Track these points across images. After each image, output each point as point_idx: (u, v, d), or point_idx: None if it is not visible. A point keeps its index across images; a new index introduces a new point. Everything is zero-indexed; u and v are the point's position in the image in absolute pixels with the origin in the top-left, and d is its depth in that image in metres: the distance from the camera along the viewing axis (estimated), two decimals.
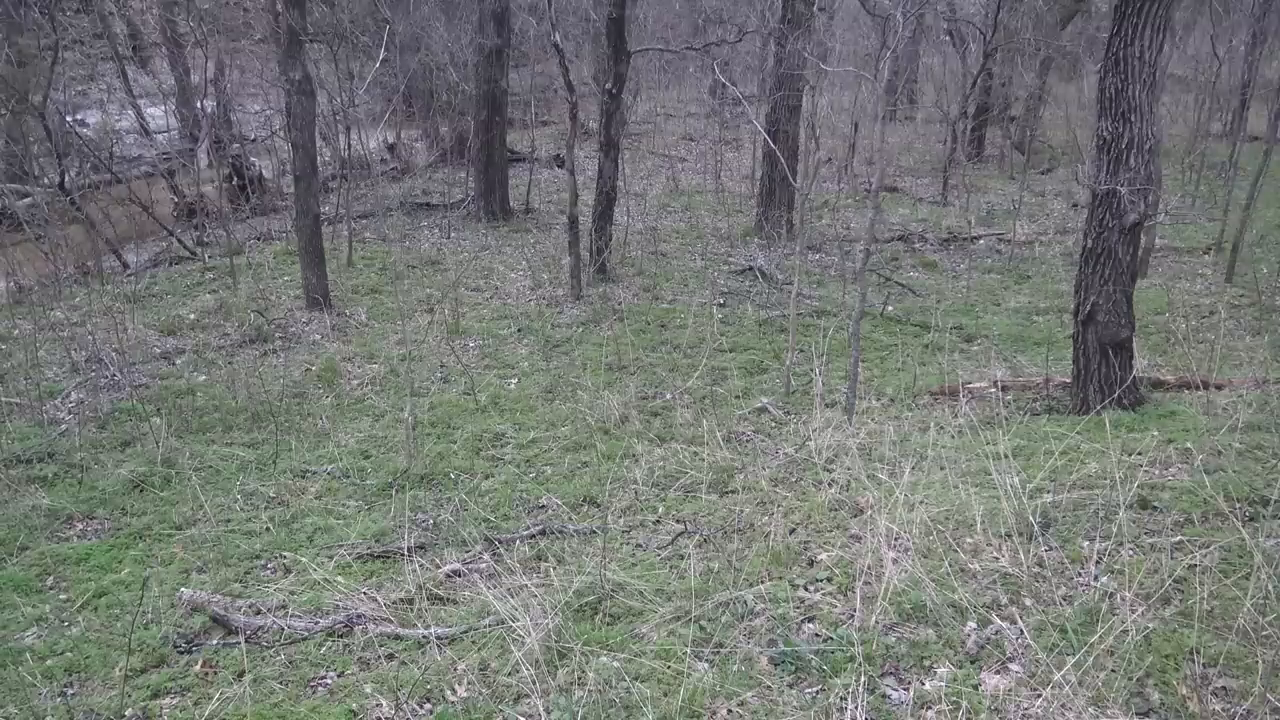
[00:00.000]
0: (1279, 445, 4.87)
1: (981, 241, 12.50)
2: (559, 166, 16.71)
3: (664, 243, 12.23)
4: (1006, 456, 4.61)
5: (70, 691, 3.73)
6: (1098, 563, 3.87)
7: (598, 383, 7.36)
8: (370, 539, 4.92)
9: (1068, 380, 6.44)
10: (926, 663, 3.37)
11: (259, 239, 12.59)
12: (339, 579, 4.40)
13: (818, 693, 3.27)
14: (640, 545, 4.71)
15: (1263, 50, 15.86)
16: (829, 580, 4.00)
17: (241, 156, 14.18)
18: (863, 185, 15.22)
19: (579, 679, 3.39)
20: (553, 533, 4.89)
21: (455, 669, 3.57)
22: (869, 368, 7.72)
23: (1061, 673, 3.08)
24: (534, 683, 3.32)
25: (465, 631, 3.85)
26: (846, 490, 4.92)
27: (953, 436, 5.55)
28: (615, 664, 3.48)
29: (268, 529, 5.10)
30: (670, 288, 10.38)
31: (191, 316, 9.44)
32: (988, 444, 5.10)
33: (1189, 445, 4.88)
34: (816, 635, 3.60)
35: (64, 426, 6.67)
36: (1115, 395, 5.85)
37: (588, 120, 17.22)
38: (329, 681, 3.66)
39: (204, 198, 12.89)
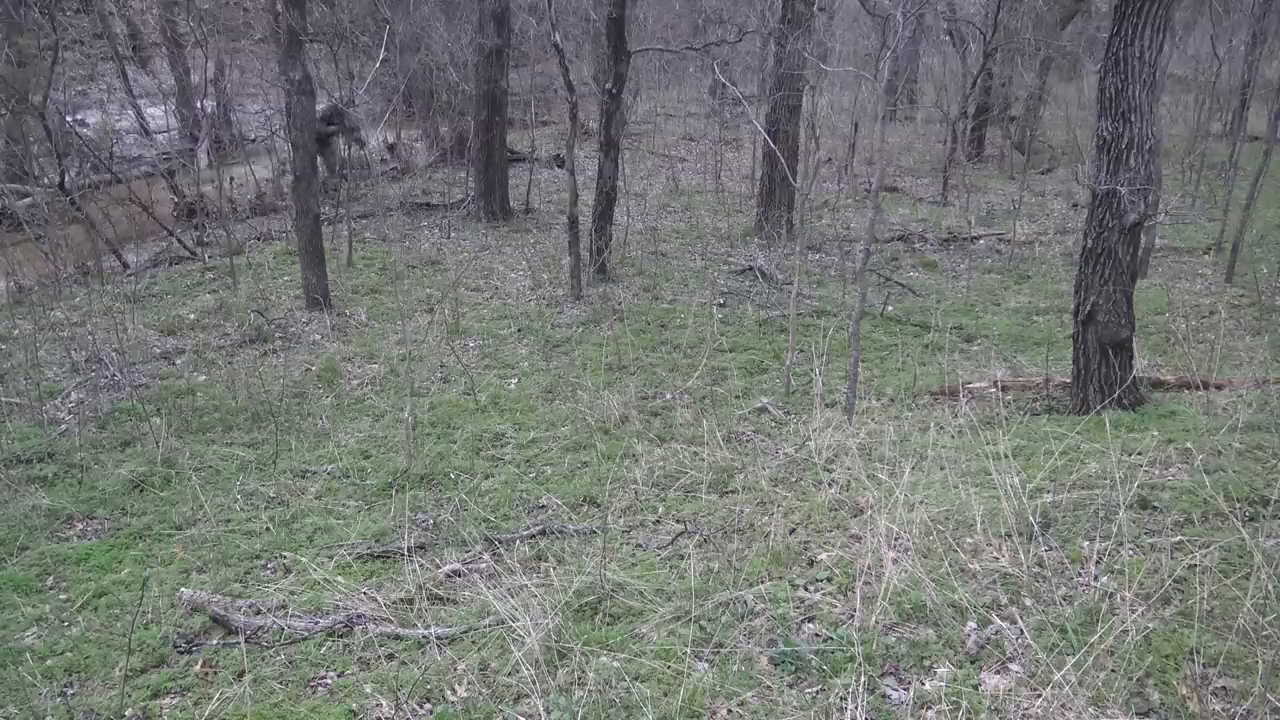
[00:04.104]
0: (1279, 445, 4.87)
1: (981, 241, 12.50)
2: (559, 166, 16.71)
3: (664, 243, 12.23)
4: (1006, 456, 4.61)
5: (70, 691, 3.73)
6: (1098, 563, 3.87)
7: (598, 383, 7.35)
8: (370, 539, 4.92)
9: (1068, 380, 6.44)
10: (926, 663, 3.37)
11: (259, 239, 12.60)
12: (339, 579, 4.40)
13: (818, 693, 3.27)
14: (640, 545, 4.71)
15: (1263, 50, 15.87)
16: (829, 580, 4.00)
17: (343, 122, 13.90)
18: (863, 185, 15.22)
19: (579, 679, 3.39)
20: (553, 533, 4.89)
21: (455, 669, 3.57)
22: (869, 368, 7.72)
23: (1061, 673, 3.07)
24: (534, 683, 3.32)
25: (465, 631, 3.85)
26: (846, 490, 4.92)
27: (953, 436, 5.55)
28: (615, 664, 3.48)
29: (268, 529, 5.10)
30: (670, 288, 10.38)
31: (191, 316, 9.44)
32: (988, 444, 5.10)
33: (1189, 445, 4.88)
34: (816, 635, 3.60)
35: (64, 426, 6.67)
36: (1115, 395, 5.85)
37: (588, 120, 17.22)
38: (329, 681, 3.66)
39: (204, 198, 12.90)
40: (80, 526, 5.32)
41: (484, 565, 4.56)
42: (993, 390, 6.54)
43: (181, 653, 3.93)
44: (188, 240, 12.05)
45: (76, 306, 9.64)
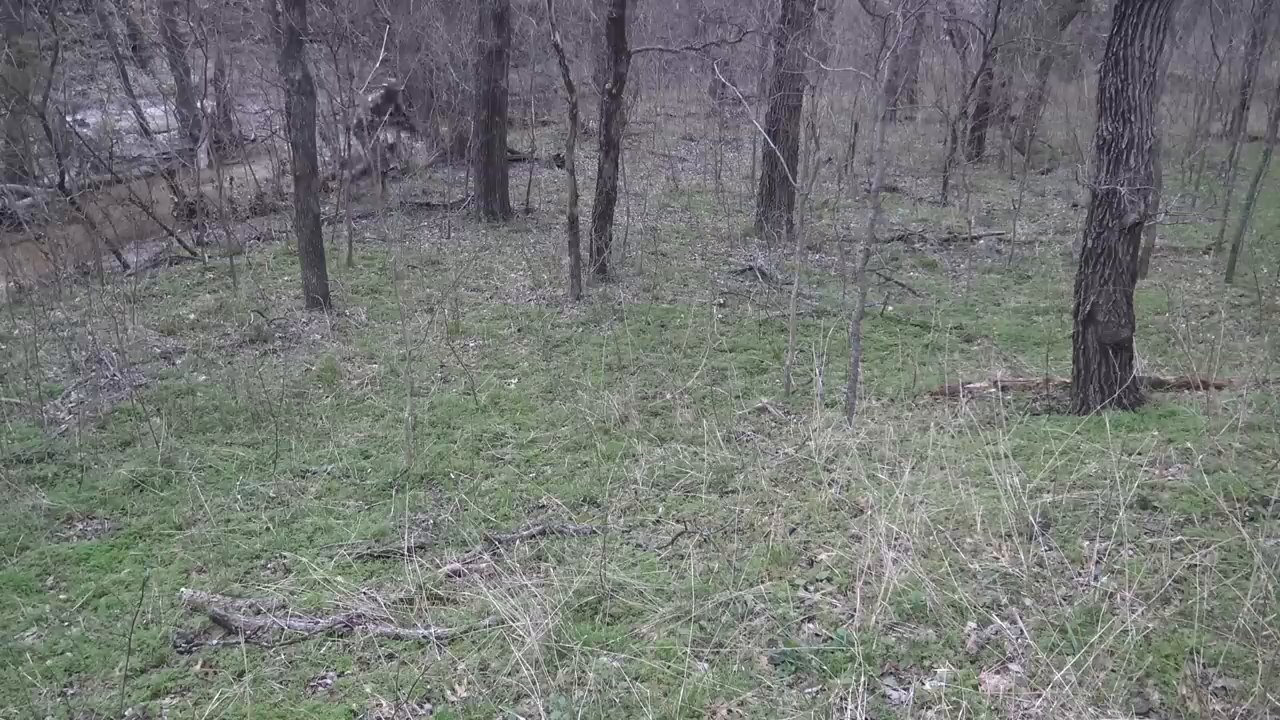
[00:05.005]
0: (1279, 445, 4.87)
1: (981, 241, 12.50)
2: (559, 166, 16.70)
3: (664, 243, 12.23)
4: (1006, 456, 4.60)
5: (70, 691, 3.73)
6: (1098, 563, 3.87)
7: (598, 383, 7.36)
8: (370, 539, 4.92)
9: (1068, 380, 6.43)
10: (926, 663, 3.37)
11: (259, 239, 12.60)
12: (339, 579, 4.40)
13: (818, 693, 3.27)
14: (640, 545, 4.71)
15: (1263, 50, 15.88)
16: (829, 580, 4.00)
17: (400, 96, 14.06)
18: (863, 185, 15.22)
19: (579, 679, 3.39)
20: (553, 533, 4.89)
21: (455, 669, 3.57)
22: (869, 368, 7.72)
23: (1061, 673, 3.07)
24: (534, 683, 3.32)
25: (465, 631, 3.85)
26: (846, 490, 4.92)
27: (953, 436, 5.55)
28: (615, 664, 3.48)
29: (268, 529, 5.10)
30: (670, 288, 10.38)
31: (191, 316, 9.44)
32: (988, 444, 5.10)
33: (1189, 445, 4.88)
34: (816, 635, 3.60)
35: (64, 426, 6.67)
36: (1115, 395, 5.85)
37: (588, 120, 17.21)
38: (329, 681, 3.66)
39: (204, 198, 12.90)
40: (80, 526, 5.32)
41: (484, 565, 4.56)
42: (993, 390, 6.53)
43: (181, 653, 3.93)
44: (188, 240, 12.04)
45: (76, 306, 9.64)
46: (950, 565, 3.85)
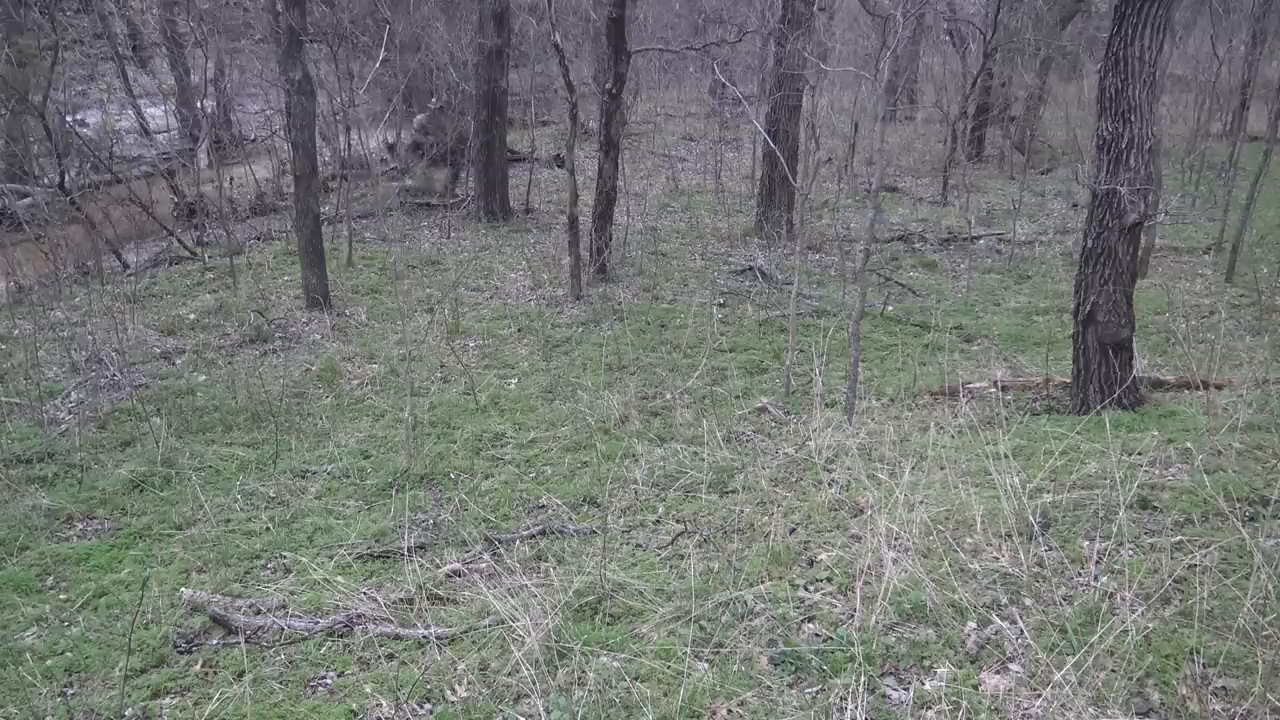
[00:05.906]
0: (1279, 445, 4.87)
1: (981, 241, 12.50)
2: (559, 166, 16.70)
3: (664, 243, 12.23)
4: (1006, 456, 4.60)
5: (70, 691, 3.73)
6: (1098, 563, 3.87)
7: (598, 383, 7.35)
8: (370, 539, 4.92)
9: (1068, 380, 6.43)
10: (926, 663, 3.37)
11: (259, 239, 12.60)
12: (339, 579, 4.40)
13: (818, 693, 3.27)
14: (640, 545, 4.71)
15: (1263, 50, 15.88)
16: (829, 580, 4.00)
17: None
18: (863, 185, 15.22)
19: (579, 679, 3.39)
20: (553, 533, 4.89)
21: (455, 669, 3.57)
22: (869, 368, 7.72)
23: (1061, 673, 3.07)
24: (534, 683, 3.32)
25: (465, 631, 3.85)
26: (846, 490, 4.92)
27: (953, 436, 5.55)
28: (615, 664, 3.48)
29: (268, 529, 5.10)
30: (670, 288, 10.38)
31: (191, 316, 9.44)
32: (988, 444, 5.09)
33: (1189, 445, 4.88)
34: (816, 635, 3.60)
35: (64, 426, 6.67)
36: (1115, 395, 5.85)
37: (588, 120, 17.21)
38: (329, 681, 3.66)
39: (204, 198, 12.90)
40: (80, 526, 5.32)
41: (484, 565, 4.56)
42: (993, 390, 6.53)
43: (181, 653, 3.93)
44: (188, 240, 12.04)
45: (76, 306, 9.64)
46: (950, 565, 3.85)
